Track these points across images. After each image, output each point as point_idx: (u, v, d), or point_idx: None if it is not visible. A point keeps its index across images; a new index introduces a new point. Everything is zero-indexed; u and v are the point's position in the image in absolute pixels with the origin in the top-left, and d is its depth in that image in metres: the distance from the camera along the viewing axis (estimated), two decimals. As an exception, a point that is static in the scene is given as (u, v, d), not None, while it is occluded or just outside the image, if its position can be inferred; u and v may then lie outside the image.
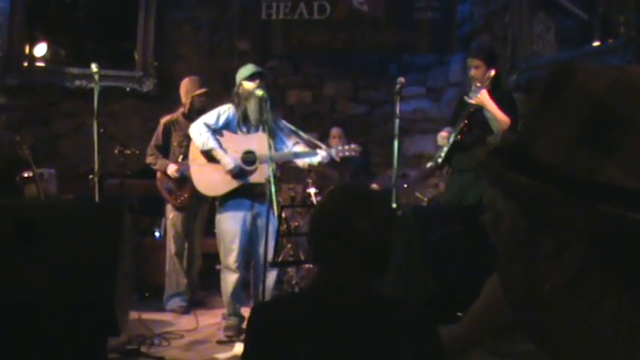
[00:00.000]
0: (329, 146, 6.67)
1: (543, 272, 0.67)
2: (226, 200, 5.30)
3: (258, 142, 5.21)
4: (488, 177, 0.73)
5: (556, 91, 0.69)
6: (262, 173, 5.17)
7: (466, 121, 5.15)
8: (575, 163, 0.65)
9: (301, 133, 5.55)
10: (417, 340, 1.77)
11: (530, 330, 0.72)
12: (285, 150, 5.38)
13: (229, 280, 5.27)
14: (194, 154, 5.38)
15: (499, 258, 0.76)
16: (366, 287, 1.81)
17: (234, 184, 5.25)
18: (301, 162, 5.50)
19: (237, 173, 5.23)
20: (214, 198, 5.47)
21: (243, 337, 5.11)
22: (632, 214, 0.60)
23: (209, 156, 5.29)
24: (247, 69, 5.34)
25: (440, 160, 5.38)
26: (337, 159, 5.55)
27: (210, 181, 5.30)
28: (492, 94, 5.06)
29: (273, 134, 5.22)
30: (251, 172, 5.25)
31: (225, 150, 5.26)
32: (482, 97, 4.99)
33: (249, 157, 5.26)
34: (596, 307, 0.65)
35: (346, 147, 5.46)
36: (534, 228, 0.68)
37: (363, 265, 1.80)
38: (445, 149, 5.30)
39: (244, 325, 5.33)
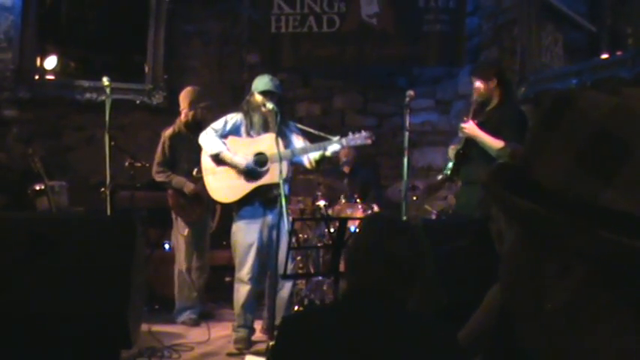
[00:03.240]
0: (338, 158, 6.70)
1: (545, 292, 0.68)
2: (242, 207, 5.28)
3: (267, 143, 5.22)
4: (491, 200, 0.75)
5: (557, 118, 0.70)
6: (275, 173, 5.12)
7: None
8: (576, 188, 0.66)
9: (312, 131, 5.50)
10: (441, 353, 1.89)
11: (531, 345, 0.73)
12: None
13: (241, 291, 5.27)
14: (206, 164, 5.37)
15: (501, 276, 0.77)
16: (395, 302, 2.00)
17: (249, 187, 5.23)
18: (313, 156, 5.45)
19: (251, 172, 5.23)
20: (230, 208, 5.46)
21: (253, 349, 5.14)
22: (633, 241, 0.62)
23: (220, 161, 5.27)
24: (263, 83, 5.34)
25: (448, 172, 5.39)
26: (346, 149, 5.46)
27: (225, 187, 5.27)
28: (499, 109, 5.06)
29: (284, 140, 5.23)
30: (264, 173, 5.24)
31: (233, 152, 5.26)
32: (469, 130, 5.00)
33: (261, 159, 5.25)
34: (597, 327, 0.66)
35: (357, 135, 5.40)
36: (536, 250, 0.70)
37: (396, 282, 2.02)
38: (451, 162, 5.31)
39: (254, 337, 5.37)
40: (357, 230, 2.36)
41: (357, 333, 1.89)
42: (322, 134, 5.44)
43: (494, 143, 4.87)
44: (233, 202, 5.31)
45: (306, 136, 5.54)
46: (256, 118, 5.31)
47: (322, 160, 5.53)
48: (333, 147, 5.33)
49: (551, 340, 0.70)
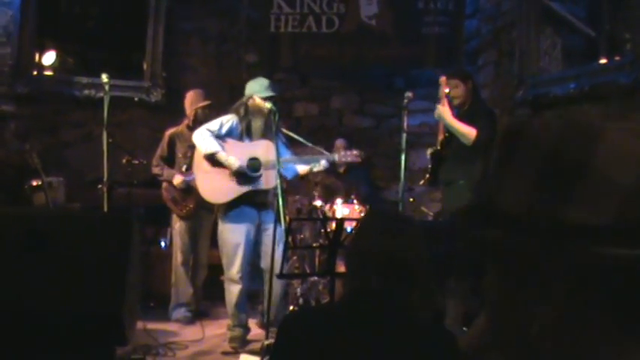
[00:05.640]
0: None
1: (530, 317, 0.69)
2: (230, 209, 5.28)
3: (262, 150, 5.24)
4: (460, 238, 0.77)
5: (511, 147, 0.72)
6: (267, 180, 5.18)
7: (445, 134, 5.19)
8: (538, 210, 0.67)
9: (304, 142, 5.56)
10: (440, 355, 1.89)
11: None
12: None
13: (233, 291, 5.27)
14: (198, 162, 5.36)
15: (485, 310, 0.78)
16: (395, 303, 1.98)
17: (239, 190, 5.22)
18: (304, 168, 5.53)
19: (243, 177, 5.23)
20: (217, 208, 5.47)
21: (247, 347, 5.15)
22: (599, 248, 0.63)
23: (213, 162, 5.26)
24: (263, 87, 5.32)
25: (427, 176, 5.41)
26: (340, 164, 5.58)
27: (216, 188, 5.27)
28: (471, 107, 5.11)
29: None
30: (256, 179, 5.24)
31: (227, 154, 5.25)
32: (441, 112, 5.06)
33: (254, 164, 5.25)
34: (585, 344, 0.67)
35: (348, 153, 5.47)
36: (513, 278, 0.71)
37: (394, 281, 1.98)
38: (430, 165, 5.35)
39: (249, 337, 5.37)
40: (356, 229, 2.34)
41: (356, 334, 1.88)
42: (316, 147, 5.57)
43: (465, 130, 4.91)
44: (222, 203, 5.32)
45: (298, 145, 5.63)
46: (258, 123, 5.31)
47: (307, 174, 5.65)
48: (323, 164, 5.41)
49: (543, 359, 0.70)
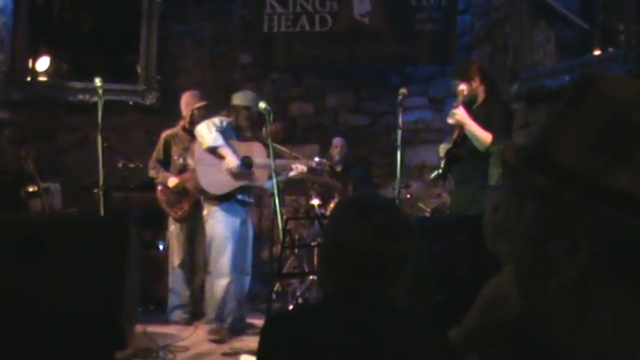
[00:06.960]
0: (331, 156, 6.89)
1: (553, 269, 0.69)
2: (222, 202, 5.46)
3: (253, 150, 5.49)
4: (509, 176, 0.75)
5: (579, 98, 0.70)
6: (259, 177, 5.49)
7: (460, 133, 5.12)
8: (590, 167, 0.66)
9: (283, 148, 5.88)
10: (428, 353, 1.78)
11: (536, 322, 0.73)
12: None
13: (219, 284, 5.41)
14: (200, 155, 5.49)
15: (514, 253, 0.78)
16: (375, 299, 1.80)
17: (236, 184, 5.43)
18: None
19: (240, 172, 5.41)
20: (208, 202, 5.58)
21: (248, 348, 5.14)
22: (638, 222, 0.62)
23: (213, 155, 5.43)
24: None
25: (440, 171, 5.35)
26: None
27: (216, 180, 5.43)
28: (486, 105, 5.01)
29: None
30: (249, 175, 5.47)
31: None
32: (458, 117, 4.90)
33: (248, 161, 5.48)
34: (600, 306, 0.67)
35: (323, 161, 5.91)
36: (548, 228, 0.70)
37: (368, 277, 1.78)
38: (443, 162, 5.28)
39: (251, 335, 5.40)
40: (327, 221, 2.16)
41: (339, 338, 1.74)
42: (294, 154, 5.99)
43: (482, 135, 4.80)
44: (217, 194, 5.47)
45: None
46: (247, 132, 5.61)
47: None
48: (300, 169, 5.74)
49: (556, 316, 0.70)
